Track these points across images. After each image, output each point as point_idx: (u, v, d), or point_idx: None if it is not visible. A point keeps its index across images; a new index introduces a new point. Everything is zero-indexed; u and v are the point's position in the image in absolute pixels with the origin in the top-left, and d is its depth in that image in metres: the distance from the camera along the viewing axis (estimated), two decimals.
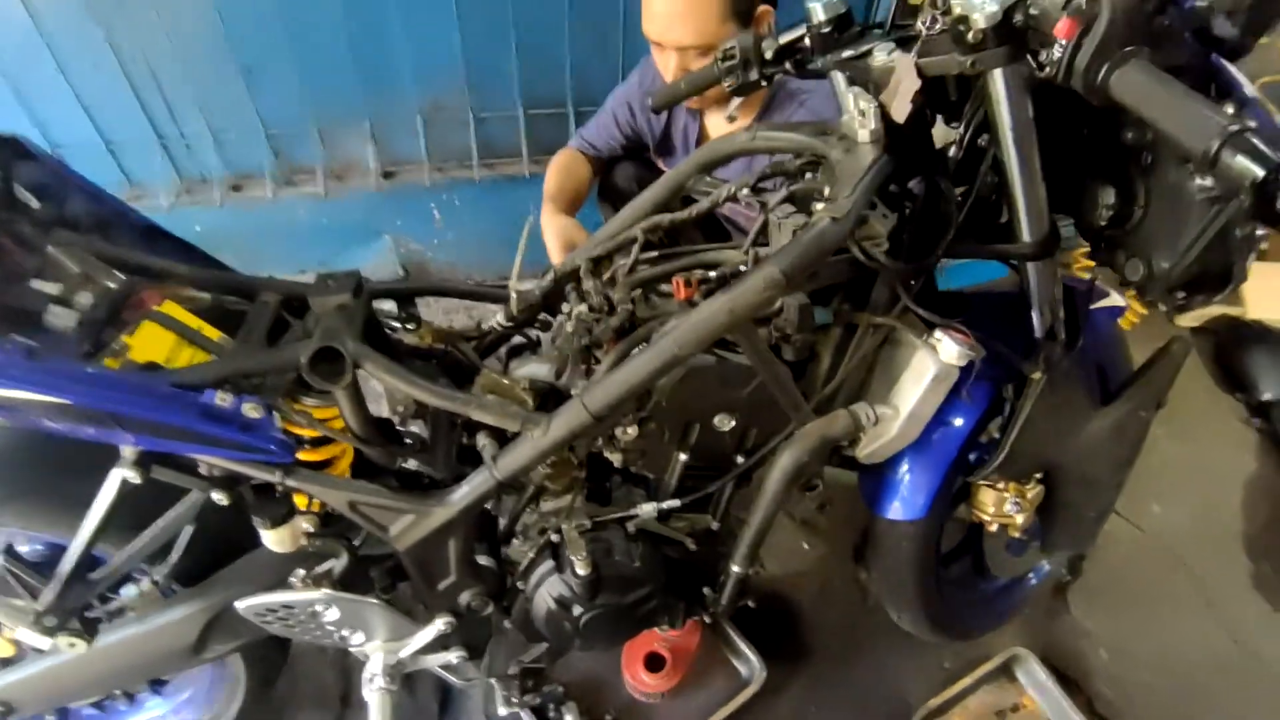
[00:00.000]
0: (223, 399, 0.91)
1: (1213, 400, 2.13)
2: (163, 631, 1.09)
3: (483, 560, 1.13)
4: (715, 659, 1.59)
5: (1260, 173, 0.64)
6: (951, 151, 0.98)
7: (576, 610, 1.10)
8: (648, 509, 1.11)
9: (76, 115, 1.67)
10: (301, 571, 1.07)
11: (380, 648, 1.15)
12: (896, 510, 1.27)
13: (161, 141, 1.75)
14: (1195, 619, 1.73)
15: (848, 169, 0.93)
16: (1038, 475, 1.32)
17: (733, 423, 1.08)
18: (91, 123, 1.70)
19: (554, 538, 1.12)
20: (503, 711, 1.40)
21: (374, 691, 1.15)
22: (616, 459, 1.08)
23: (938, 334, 1.00)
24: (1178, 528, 1.87)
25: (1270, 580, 1.80)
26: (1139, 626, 1.71)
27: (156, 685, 1.39)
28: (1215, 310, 2.23)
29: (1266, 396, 2.07)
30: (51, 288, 0.97)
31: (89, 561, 1.02)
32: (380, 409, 1.10)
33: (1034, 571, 1.66)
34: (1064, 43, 0.75)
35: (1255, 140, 0.65)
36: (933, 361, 1.01)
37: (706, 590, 1.24)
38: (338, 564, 1.08)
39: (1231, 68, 0.85)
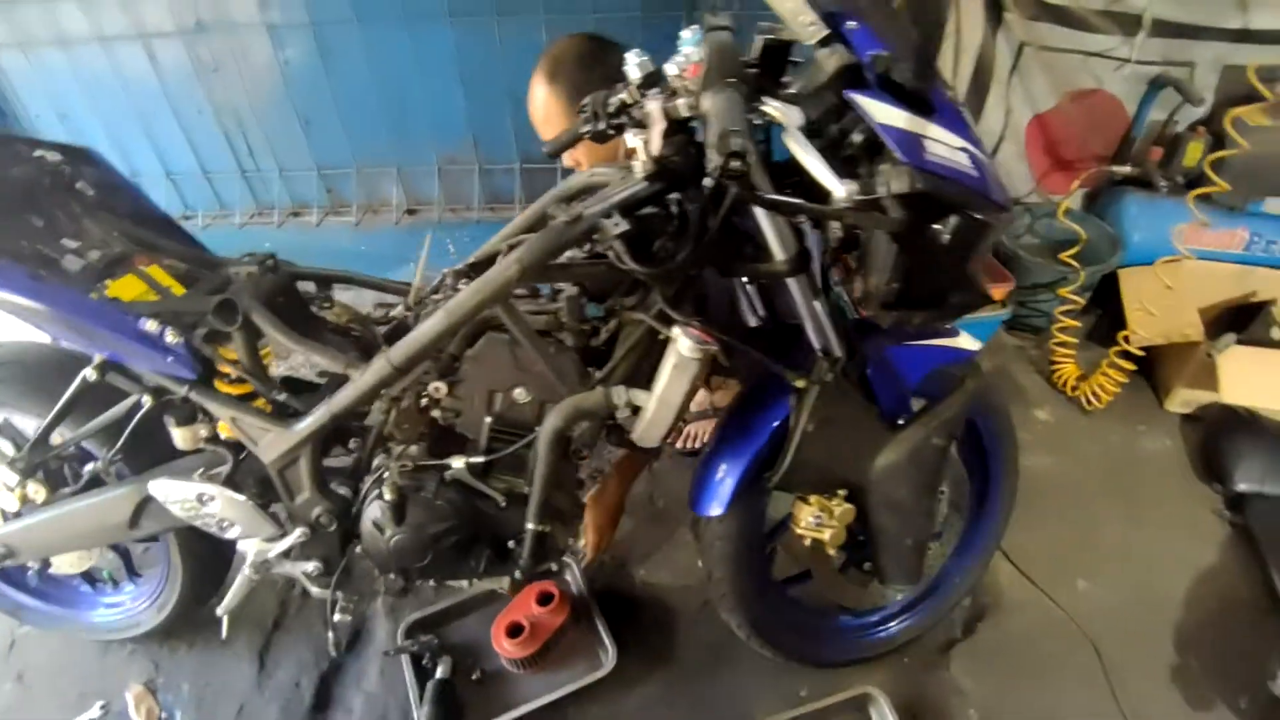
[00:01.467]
0: (151, 325, 1.28)
1: (1184, 490, 2.03)
2: (107, 504, 1.45)
3: (338, 487, 1.42)
4: (581, 645, 1.73)
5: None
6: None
7: (387, 532, 1.35)
8: (458, 463, 1.35)
9: (185, 150, 2.25)
10: (201, 469, 1.41)
11: (254, 545, 1.45)
12: (703, 506, 1.39)
13: (242, 174, 2.29)
14: (1093, 701, 1.65)
15: (608, 192, 1.17)
16: (842, 493, 1.41)
17: (529, 396, 1.31)
18: (195, 156, 2.27)
19: (385, 474, 1.38)
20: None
21: (240, 577, 1.46)
22: (439, 415, 1.35)
23: (675, 330, 1.18)
24: (1100, 607, 1.79)
25: (1194, 677, 1.68)
26: (1025, 697, 1.64)
27: (133, 574, 1.78)
28: (1207, 396, 2.14)
29: (1241, 487, 1.96)
30: (72, 244, 1.40)
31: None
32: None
33: (896, 616, 1.69)
34: None
35: None
36: (673, 353, 1.19)
37: (511, 544, 1.43)
38: (226, 468, 1.41)
39: (863, 104, 1.00)
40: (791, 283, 1.17)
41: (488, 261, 1.31)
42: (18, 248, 1.33)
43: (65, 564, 1.65)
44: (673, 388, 1.21)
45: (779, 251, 1.13)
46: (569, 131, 1.54)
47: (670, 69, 1.07)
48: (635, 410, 1.25)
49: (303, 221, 2.35)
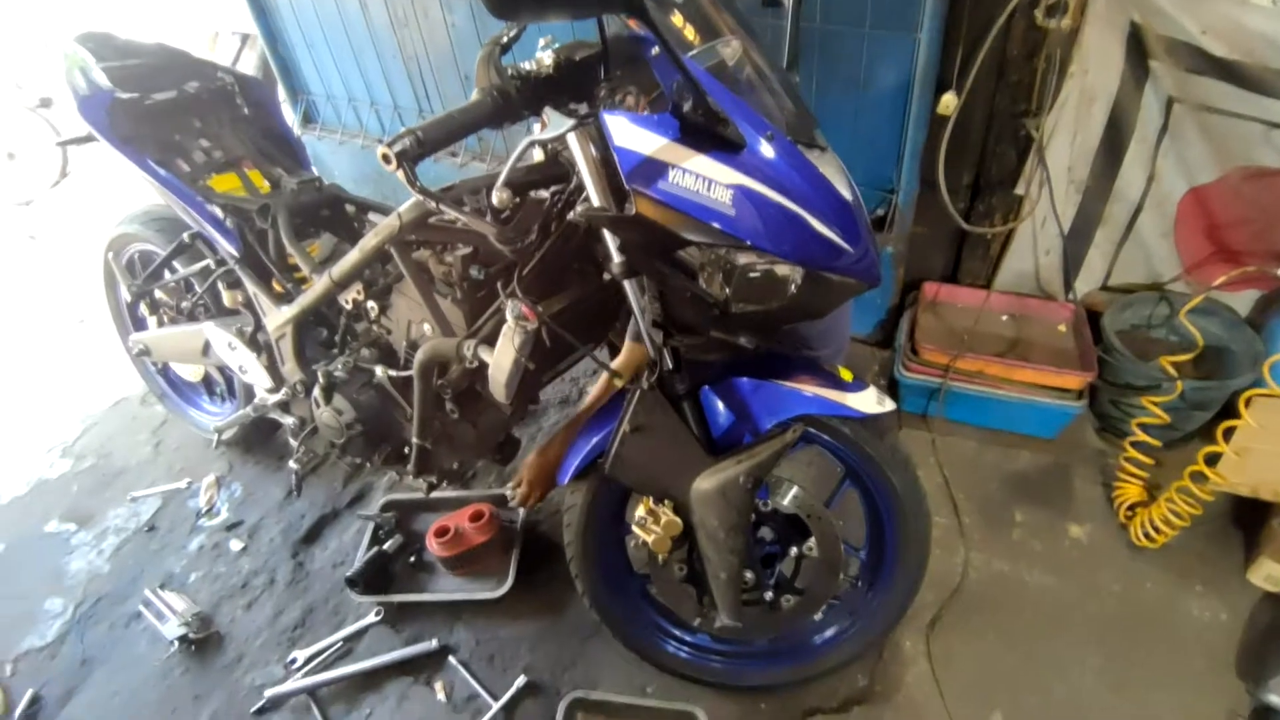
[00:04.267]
0: (218, 211, 1.74)
1: (1206, 677, 1.64)
2: (187, 334, 1.99)
3: (316, 365, 1.79)
4: (494, 569, 1.94)
5: None
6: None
7: (320, 409, 1.69)
8: (379, 371, 1.63)
9: (384, 87, 2.78)
10: (236, 325, 1.87)
11: (258, 388, 1.90)
12: (560, 475, 1.54)
13: (420, 114, 2.76)
14: None
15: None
16: (672, 504, 1.44)
17: (433, 332, 1.54)
18: (389, 93, 2.79)
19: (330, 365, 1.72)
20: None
21: (241, 410, 1.93)
22: (376, 328, 1.64)
23: (510, 303, 1.34)
24: None
25: None
26: None
27: (233, 395, 2.36)
28: None
29: (1272, 699, 1.55)
30: (206, 143, 1.92)
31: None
32: None
33: (752, 656, 1.66)
34: None
35: None
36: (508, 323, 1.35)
37: (407, 450, 1.69)
38: (249, 329, 1.85)
39: (609, 124, 1.06)
40: (625, 285, 1.25)
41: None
42: (170, 138, 1.86)
43: (184, 371, 2.26)
44: (505, 352, 1.36)
45: (615, 254, 1.22)
46: None
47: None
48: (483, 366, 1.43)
49: (453, 161, 2.77)
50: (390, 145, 1.01)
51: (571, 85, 1.19)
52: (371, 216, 1.87)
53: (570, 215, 1.18)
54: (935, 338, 2.18)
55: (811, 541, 1.49)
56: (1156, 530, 1.82)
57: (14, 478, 2.49)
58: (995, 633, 1.75)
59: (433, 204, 1.36)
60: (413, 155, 1.02)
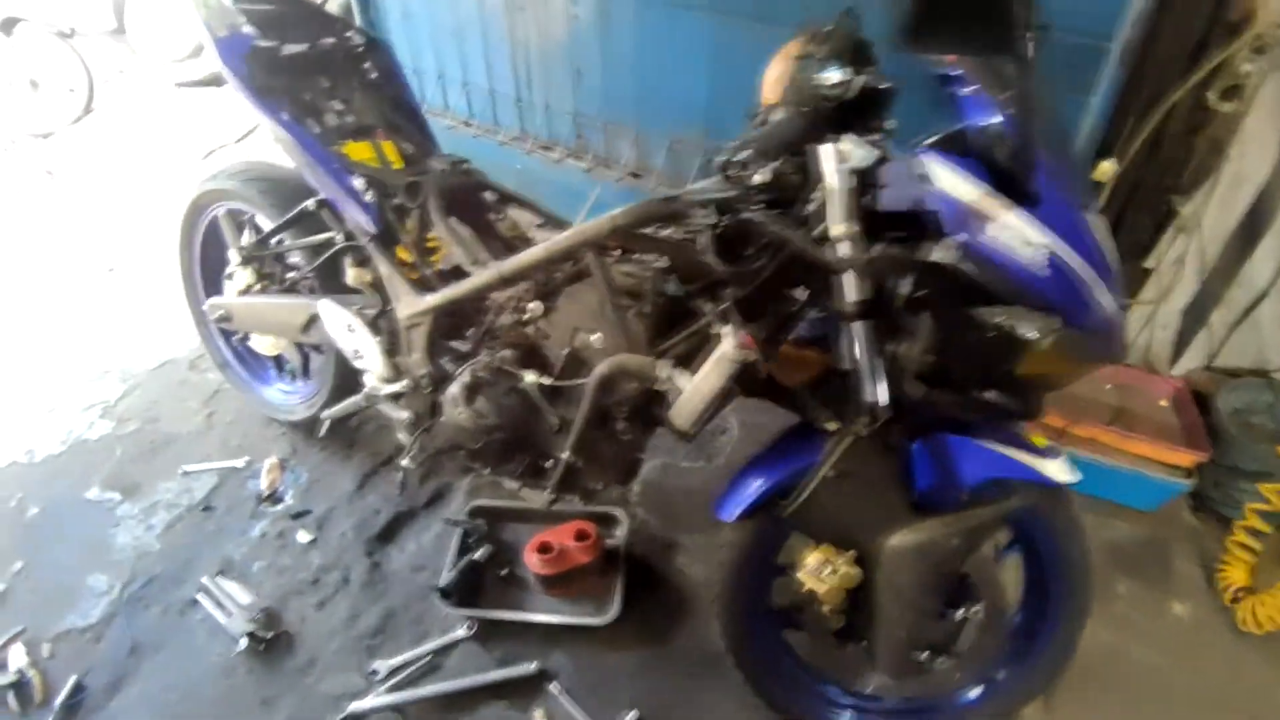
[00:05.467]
0: (358, 183, 1.62)
1: None
2: (291, 307, 1.84)
3: (445, 363, 1.67)
4: (596, 591, 1.84)
5: None
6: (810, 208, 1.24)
7: (456, 409, 1.57)
8: (530, 377, 1.53)
9: (482, 69, 2.66)
10: (357, 306, 1.74)
11: (372, 380, 1.76)
12: (721, 509, 1.44)
13: (517, 101, 2.65)
14: None
15: (714, 188, 1.27)
16: (852, 553, 1.39)
17: (603, 345, 1.45)
18: (487, 76, 2.68)
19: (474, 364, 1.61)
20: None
21: (353, 398, 1.80)
22: (530, 331, 1.54)
23: (727, 329, 1.26)
24: None
25: None
26: None
27: (306, 374, 2.21)
28: None
29: None
30: (339, 106, 1.79)
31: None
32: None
33: (889, 715, 1.61)
34: None
35: None
36: (719, 349, 1.27)
37: (548, 465, 1.59)
38: (372, 312, 1.72)
39: (931, 168, 1.01)
40: (855, 327, 1.17)
41: None
42: (300, 95, 1.73)
43: (260, 344, 2.10)
44: (708, 379, 1.29)
45: (850, 292, 1.15)
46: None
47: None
48: (675, 389, 1.35)
49: (548, 155, 2.67)
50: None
51: (857, 112, 1.13)
52: (512, 210, 1.78)
53: (835, 235, 1.09)
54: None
55: (979, 605, 1.45)
56: (1261, 619, 1.83)
57: (48, 435, 2.29)
58: (1107, 707, 1.73)
59: (650, 211, 1.29)
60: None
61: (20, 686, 1.72)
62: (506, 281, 1.46)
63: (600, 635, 1.79)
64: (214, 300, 2.03)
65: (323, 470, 2.18)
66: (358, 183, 1.63)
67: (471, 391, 1.55)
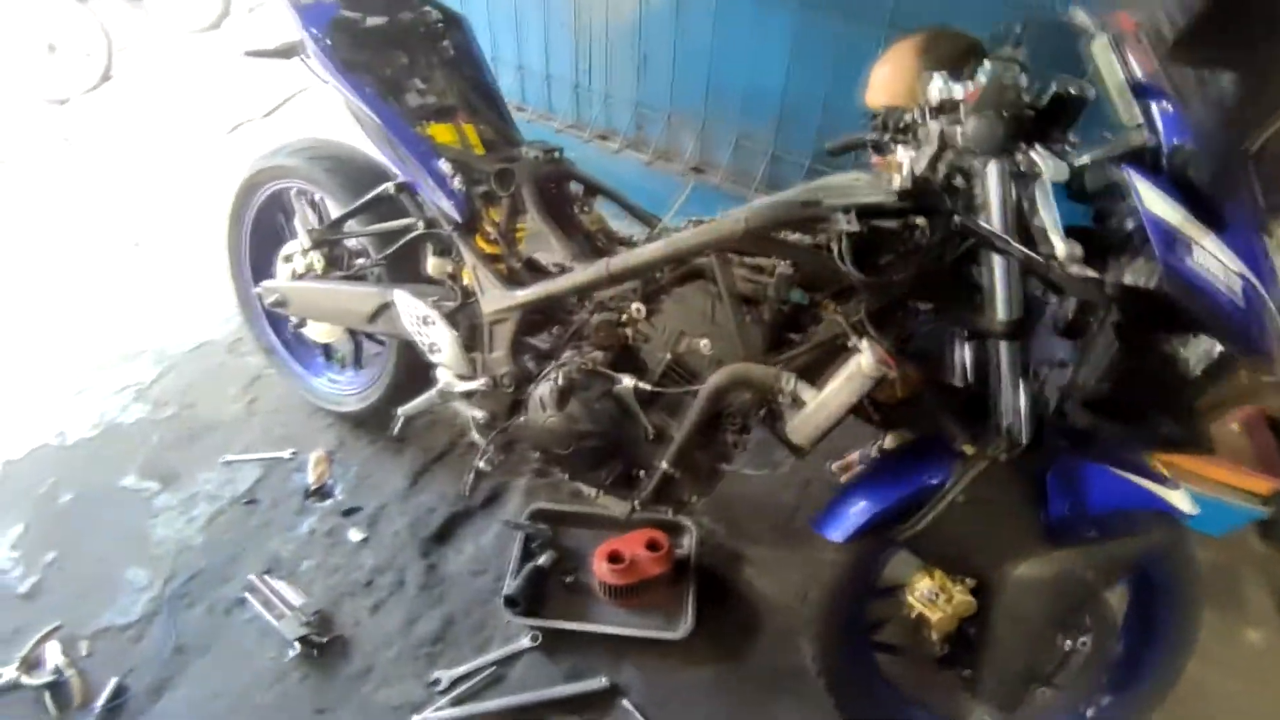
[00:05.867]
0: (446, 167, 1.53)
1: None
2: (360, 295, 1.74)
3: (527, 361, 1.59)
4: (665, 603, 1.77)
5: None
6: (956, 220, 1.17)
7: (546, 412, 1.49)
8: (627, 381, 1.45)
9: (539, 53, 2.57)
10: (434, 298, 1.65)
11: (446, 373, 1.67)
12: (827, 527, 1.38)
13: (575, 87, 2.56)
14: None
15: (855, 191, 1.20)
16: (970, 582, 1.33)
17: (711, 350, 1.38)
18: (545, 60, 2.58)
19: (565, 364, 1.52)
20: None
21: (427, 394, 1.72)
22: (629, 333, 1.46)
23: (864, 343, 1.19)
24: None
25: None
26: None
27: (358, 364, 2.12)
28: None
29: None
30: (420, 84, 1.70)
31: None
32: None
33: None
34: None
35: None
36: (852, 363, 1.20)
37: (641, 475, 1.51)
38: (451, 304, 1.63)
39: (1139, 186, 0.94)
40: (1002, 346, 1.11)
41: None
42: (381, 71, 1.64)
43: (315, 331, 2.00)
44: (838, 395, 1.22)
45: (1001, 310, 1.08)
46: (853, 136, 1.59)
47: (958, 91, 1.07)
48: (796, 403, 1.28)
49: (605, 145, 2.58)
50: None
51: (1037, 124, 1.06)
52: (600, 202, 1.70)
53: (1061, 257, 1.01)
54: None
55: (1087, 636, 1.39)
56: None
57: (80, 418, 2.18)
58: None
59: (784, 214, 1.22)
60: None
61: (57, 687, 1.61)
62: (614, 280, 1.38)
63: (672, 649, 1.71)
64: (268, 284, 1.93)
65: (372, 465, 2.09)
66: (445, 167, 1.54)
67: (564, 394, 1.46)
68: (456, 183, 1.54)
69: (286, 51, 1.64)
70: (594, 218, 1.70)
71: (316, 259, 1.80)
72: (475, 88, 1.79)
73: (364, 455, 2.11)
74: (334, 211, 1.80)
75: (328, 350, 2.15)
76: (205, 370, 2.35)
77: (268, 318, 2.15)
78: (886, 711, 1.55)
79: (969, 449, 1.20)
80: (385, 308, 1.71)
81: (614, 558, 1.76)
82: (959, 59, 1.63)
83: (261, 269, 2.06)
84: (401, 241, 1.68)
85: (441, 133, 1.65)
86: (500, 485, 2.05)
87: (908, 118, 1.18)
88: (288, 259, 1.91)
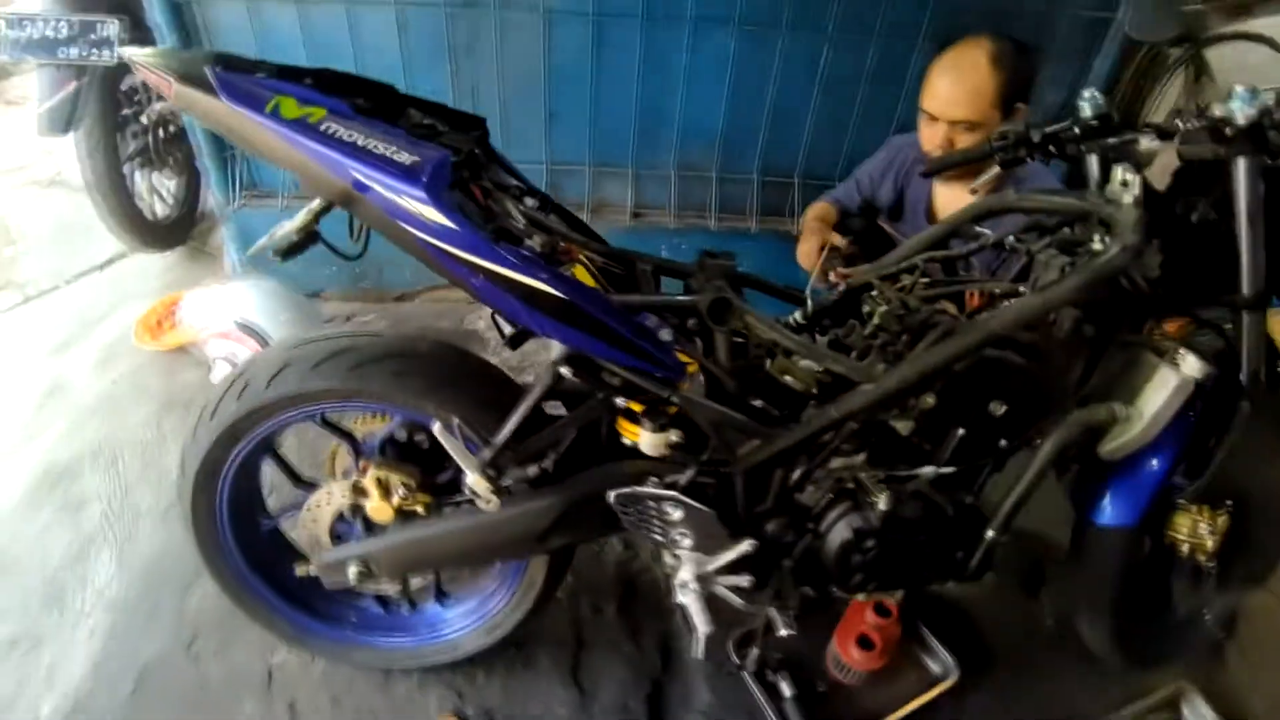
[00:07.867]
0: (650, 320, 1.20)
1: None
2: (525, 514, 1.32)
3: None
4: (908, 655, 1.74)
5: None
6: (1194, 217, 1.27)
7: (869, 543, 1.31)
8: (928, 471, 1.33)
9: None
10: (657, 478, 1.32)
11: (693, 557, 1.36)
12: (1109, 515, 1.43)
13: None
14: None
15: (1121, 220, 1.21)
16: (1228, 503, 1.53)
17: (1004, 409, 1.33)
18: None
19: (849, 485, 1.35)
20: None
21: (690, 594, 1.35)
22: (905, 426, 1.33)
23: (1183, 350, 1.26)
24: None
25: None
26: None
27: (441, 596, 1.61)
28: None
29: None
30: (520, 224, 1.28)
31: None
32: None
33: (1208, 612, 1.81)
34: None
35: None
36: (1175, 374, 1.25)
37: (960, 554, 1.44)
38: (684, 475, 1.32)
39: None
40: (1246, 316, 1.25)
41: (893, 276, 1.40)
42: (493, 217, 1.20)
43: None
44: (1169, 406, 1.27)
45: (1247, 285, 1.21)
46: (962, 152, 1.61)
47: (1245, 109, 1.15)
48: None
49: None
50: None
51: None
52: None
53: None
54: None
55: None
56: None
57: None
58: None
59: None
60: None
61: None
62: (909, 390, 1.23)
63: (962, 692, 1.68)
64: (335, 554, 1.35)
65: (516, 697, 1.63)
66: (650, 321, 1.21)
67: (892, 516, 1.31)
68: (664, 334, 1.22)
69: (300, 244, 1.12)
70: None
71: (484, 486, 1.27)
72: (541, 205, 1.40)
73: (496, 692, 1.62)
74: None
75: (383, 600, 1.59)
76: None
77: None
78: (1164, 639, 1.69)
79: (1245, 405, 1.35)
80: (568, 513, 1.32)
81: (864, 642, 1.65)
82: (1026, 65, 1.74)
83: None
84: (583, 426, 1.29)
85: (581, 277, 1.27)
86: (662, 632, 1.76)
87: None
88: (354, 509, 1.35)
